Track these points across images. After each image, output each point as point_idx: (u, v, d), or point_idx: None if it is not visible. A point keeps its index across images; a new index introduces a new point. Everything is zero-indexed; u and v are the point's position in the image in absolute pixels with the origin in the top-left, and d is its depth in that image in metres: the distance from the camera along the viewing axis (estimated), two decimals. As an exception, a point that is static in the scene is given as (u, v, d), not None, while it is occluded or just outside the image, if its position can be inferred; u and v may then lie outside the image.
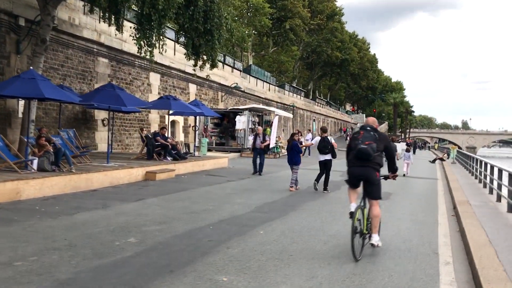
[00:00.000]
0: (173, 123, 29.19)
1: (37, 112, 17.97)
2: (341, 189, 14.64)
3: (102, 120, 22.01)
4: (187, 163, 18.10)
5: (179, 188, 13.42)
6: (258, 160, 17.52)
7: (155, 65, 26.07)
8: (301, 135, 28.42)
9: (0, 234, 7.13)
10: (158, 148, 17.45)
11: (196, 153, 22.70)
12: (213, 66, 18.96)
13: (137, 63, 24.73)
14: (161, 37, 15.62)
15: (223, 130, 33.08)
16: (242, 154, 30.09)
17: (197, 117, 30.57)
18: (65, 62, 19.73)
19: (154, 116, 26.45)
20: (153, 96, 25.96)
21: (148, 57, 15.54)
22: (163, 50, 16.52)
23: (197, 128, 31.18)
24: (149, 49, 15.34)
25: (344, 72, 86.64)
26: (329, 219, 9.83)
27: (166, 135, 19.39)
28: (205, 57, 18.11)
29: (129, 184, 13.83)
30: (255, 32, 54.52)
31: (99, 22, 20.85)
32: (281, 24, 56.63)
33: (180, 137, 29.54)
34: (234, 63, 39.24)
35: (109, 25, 17.06)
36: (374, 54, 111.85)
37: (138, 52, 15.66)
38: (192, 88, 31.41)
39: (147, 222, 8.54)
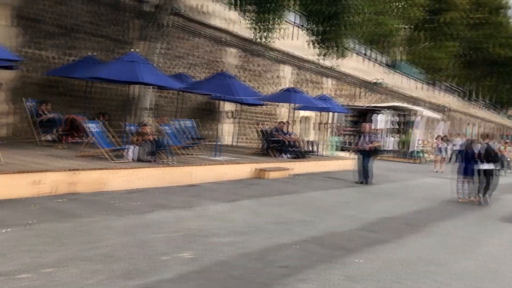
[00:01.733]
0: (305, 119, 27.75)
1: (159, 100, 17.77)
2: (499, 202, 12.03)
3: (227, 112, 21.29)
4: (306, 163, 16.50)
5: (286, 190, 11.88)
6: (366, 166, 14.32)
7: (287, 57, 24.90)
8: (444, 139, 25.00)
9: (44, 231, 6.21)
10: (275, 144, 16.07)
11: (324, 152, 20.99)
12: (341, 55, 17.05)
13: (267, 54, 23.67)
14: (279, 20, 14.17)
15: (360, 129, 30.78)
16: (376, 156, 27.55)
17: (332, 114, 28.82)
18: (191, 51, 19.31)
19: (283, 110, 25.17)
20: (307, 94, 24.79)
21: (263, 42, 14.22)
22: (281, 35, 15.06)
23: (331, 125, 29.47)
24: (265, 34, 14.01)
25: (509, 72, 77.70)
26: (462, 249, 7.56)
27: (289, 130, 17.96)
28: (333, 45, 16.28)
29: (234, 181, 12.62)
30: (406, 26, 50.68)
31: (228, 10, 20.08)
32: (437, 16, 51.99)
33: (311, 134, 27.99)
34: (376, 57, 36.56)
35: (235, 9, 16.02)
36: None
37: (253, 38, 14.45)
38: (328, 82, 29.66)
39: (221, 231, 7.12)
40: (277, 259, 6.00)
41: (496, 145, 12.97)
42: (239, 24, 21.03)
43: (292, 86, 25.99)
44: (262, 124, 17.60)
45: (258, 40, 14.39)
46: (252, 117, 22.82)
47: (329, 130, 29.32)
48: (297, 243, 6.84)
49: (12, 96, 13.24)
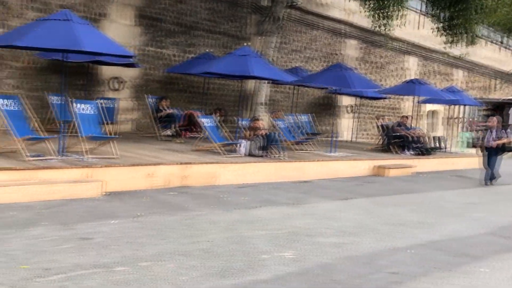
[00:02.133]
0: (433, 113, 26.11)
1: (275, 95, 17.70)
2: None
3: (346, 107, 20.65)
4: (431, 160, 15.37)
5: (406, 189, 11.09)
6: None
7: (412, 48, 23.59)
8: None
9: (149, 224, 6.27)
10: (396, 139, 15.17)
11: (452, 149, 19.48)
12: (471, 43, 15.57)
13: (390, 44, 22.52)
14: (399, 6, 13.27)
15: (496, 124, 28.24)
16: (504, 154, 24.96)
17: (463, 108, 26.78)
18: (308, 44, 18.96)
19: (407, 104, 23.85)
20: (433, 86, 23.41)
21: (382, 30, 13.42)
22: (402, 22, 14.10)
23: (462, 120, 27.39)
24: (384, 21, 13.20)
25: None
26: None
27: (412, 125, 16.91)
28: (461, 32, 14.89)
29: (350, 178, 12.07)
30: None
31: (348, 0, 19.39)
32: None
33: (439, 129, 26.26)
34: (516, 45, 33.28)
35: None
36: None
37: (372, 26, 13.70)
38: (458, 74, 27.60)
39: (328, 231, 6.70)
40: (387, 264, 5.46)
41: None
42: (359, 14, 20.28)
43: (417, 78, 24.66)
44: (382, 119, 16.71)
45: (377, 29, 13.63)
46: (373, 111, 21.90)
47: (460, 125, 27.33)
48: (412, 247, 6.20)
49: (136, 93, 13.89)
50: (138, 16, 13.79)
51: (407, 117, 16.00)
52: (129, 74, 13.73)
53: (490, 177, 12.89)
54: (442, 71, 26.42)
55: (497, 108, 27.91)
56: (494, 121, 12.98)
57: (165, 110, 12.64)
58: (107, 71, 13.31)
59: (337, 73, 12.63)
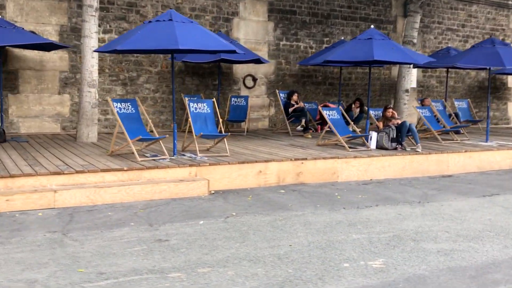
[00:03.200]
0: None
1: (428, 81, 16.26)
2: None
3: (517, 88, 18.06)
4: None
5: None
6: None
7: None
8: None
9: (236, 225, 5.95)
10: None
11: None
12: None
13: None
14: None
15: None
16: None
17: None
18: (467, 21, 16.97)
19: None
20: None
21: None
22: None
23: None
24: None
25: None
26: None
27: None
28: None
29: (507, 170, 10.40)
30: None
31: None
32: None
33: None
34: None
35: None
36: None
37: None
38: None
39: (444, 235, 5.67)
40: (500, 278, 4.37)
41: None
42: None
43: None
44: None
45: None
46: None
47: None
48: (548, 258, 4.93)
49: (271, 90, 13.76)
50: (270, 11, 13.63)
51: None
52: (263, 70, 13.66)
53: None
54: None
55: None
56: None
57: (294, 105, 12.25)
58: (241, 70, 13.40)
59: (487, 50, 10.96)
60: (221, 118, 12.41)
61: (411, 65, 13.46)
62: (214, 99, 9.24)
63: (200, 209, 6.68)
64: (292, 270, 4.49)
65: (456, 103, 14.90)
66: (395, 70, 15.34)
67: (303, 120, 11.97)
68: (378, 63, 10.35)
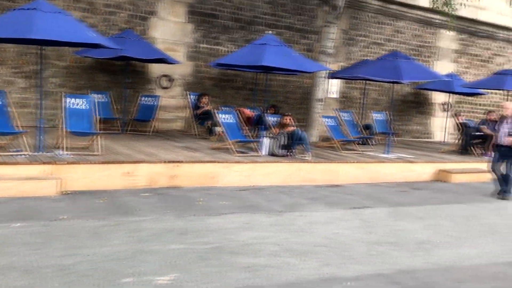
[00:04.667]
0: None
1: (351, 92, 15.87)
2: None
3: (443, 104, 17.81)
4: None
5: (459, 199, 8.72)
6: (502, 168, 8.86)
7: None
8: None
9: (54, 229, 5.26)
10: (477, 139, 12.43)
11: None
12: None
13: (501, 35, 19.11)
14: None
15: None
16: None
17: None
18: (392, 36, 16.65)
19: (523, 101, 20.01)
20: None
21: (446, 10, 10.92)
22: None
23: None
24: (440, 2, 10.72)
25: None
26: None
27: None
28: None
29: (399, 183, 9.96)
30: None
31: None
32: None
33: None
34: None
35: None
36: None
37: (433, 6, 11.26)
38: None
39: (271, 248, 5.10)
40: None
41: None
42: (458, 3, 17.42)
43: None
44: (460, 116, 13.90)
45: (435, 7, 11.22)
46: (474, 109, 18.68)
47: None
48: (362, 278, 4.39)
49: (187, 91, 13.08)
50: (190, 13, 12.97)
51: (493, 112, 13.07)
52: (180, 71, 12.99)
53: (503, 187, 8.92)
54: None
55: None
56: (509, 108, 8.89)
57: (204, 107, 11.63)
58: (157, 69, 12.70)
59: (389, 63, 10.54)
60: (129, 117, 11.86)
61: (326, 75, 12.98)
62: (94, 96, 8.51)
63: (35, 210, 5.97)
64: (59, 284, 3.82)
65: (373, 115, 14.53)
66: (310, 78, 14.85)
67: (209, 123, 11.34)
68: (267, 69, 9.75)
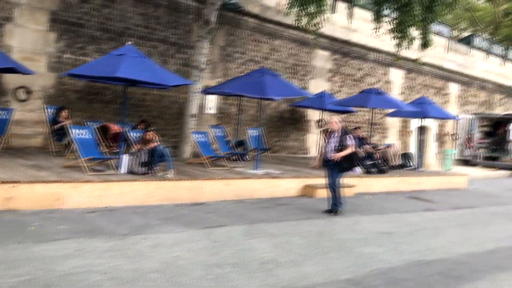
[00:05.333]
0: (423, 129, 23.39)
1: (229, 108, 15.72)
2: None
3: (318, 121, 18.33)
4: (386, 178, 12.94)
5: (315, 215, 8.76)
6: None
7: (399, 60, 21.04)
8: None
9: None
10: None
11: (439, 167, 16.94)
12: (425, 45, 13.00)
13: (371, 56, 20.21)
14: (320, 2, 10.95)
15: (497, 141, 25.29)
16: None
17: (455, 123, 24.02)
18: (269, 54, 16.86)
19: (393, 120, 21.29)
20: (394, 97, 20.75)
21: (310, 27, 11.22)
22: (323, 20, 11.81)
23: (458, 136, 24.58)
24: (305, 19, 11.01)
25: None
26: None
27: (371, 139, 14.49)
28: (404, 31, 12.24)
29: (266, 199, 9.86)
30: None
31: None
32: None
33: (431, 146, 23.53)
34: (521, 58, 30.05)
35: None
36: None
37: (296, 24, 11.57)
38: (454, 88, 24.82)
39: (94, 277, 4.57)
40: None
41: None
42: (331, 24, 18.13)
43: (406, 92, 22.11)
44: (328, 133, 14.32)
45: (298, 24, 11.54)
46: (348, 126, 19.43)
47: (456, 142, 24.52)
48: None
49: (52, 104, 12.08)
50: (52, 21, 12.05)
51: (359, 128, 13.61)
52: (40, 83, 11.97)
53: (332, 204, 8.79)
54: (434, 84, 23.71)
55: (498, 124, 25.05)
56: (334, 124, 8.80)
57: (63, 121, 10.76)
58: (12, 80, 11.57)
59: (256, 79, 10.50)
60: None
61: (199, 90, 12.70)
62: None
63: None
64: None
65: (249, 131, 14.49)
66: (185, 94, 14.53)
67: (66, 139, 10.47)
68: (127, 81, 9.21)
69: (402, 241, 7.18)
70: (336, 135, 8.79)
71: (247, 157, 13.35)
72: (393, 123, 21.55)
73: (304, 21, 11.57)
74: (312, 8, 11.02)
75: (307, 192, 10.63)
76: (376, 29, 12.85)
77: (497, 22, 37.88)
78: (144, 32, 13.78)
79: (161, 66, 10.75)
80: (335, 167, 8.68)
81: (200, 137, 11.07)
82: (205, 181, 9.17)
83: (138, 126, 12.03)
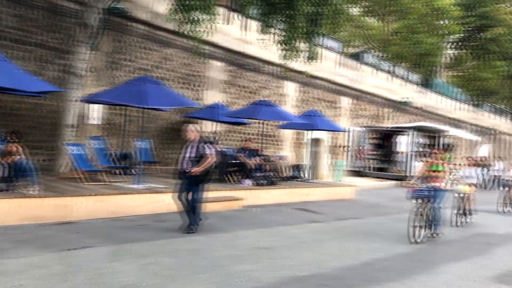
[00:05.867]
0: (317, 141, 23.95)
1: (115, 118, 14.82)
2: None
3: (213, 133, 17.97)
4: (276, 190, 12.86)
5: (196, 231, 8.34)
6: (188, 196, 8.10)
7: (291, 73, 21.35)
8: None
9: None
10: (233, 167, 12.56)
11: (328, 178, 17.26)
12: (311, 58, 13.21)
13: (266, 69, 20.31)
14: (206, 10, 10.72)
15: (386, 152, 26.59)
16: (402, 183, 23.07)
17: (345, 135, 24.90)
18: (160, 63, 16.26)
19: (288, 132, 21.53)
20: (288, 109, 20.96)
21: (193, 35, 10.94)
22: (210, 29, 11.64)
23: (349, 148, 25.50)
24: (189, 26, 10.71)
25: None
26: None
27: (263, 151, 14.41)
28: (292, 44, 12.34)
29: (146, 216, 9.25)
30: (446, 44, 45.92)
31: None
32: (480, 34, 46.56)
33: (323, 158, 24.12)
34: (407, 75, 32.08)
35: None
36: None
37: (179, 29, 11.30)
38: (345, 101, 25.74)
39: None
40: None
41: None
42: (226, 35, 17.95)
43: (300, 105, 22.50)
44: (218, 144, 14.09)
45: (182, 31, 11.26)
46: (244, 138, 19.34)
47: (347, 153, 25.41)
48: None
49: None
50: None
51: (250, 140, 13.48)
52: None
53: (190, 218, 8.08)
54: (326, 98, 24.41)
55: (386, 136, 26.35)
56: (189, 132, 8.17)
57: None
58: None
59: (137, 87, 9.91)
60: None
61: (77, 99, 11.82)
62: None
63: None
64: None
65: (137, 143, 13.75)
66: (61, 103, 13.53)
67: None
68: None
69: (279, 256, 6.95)
70: (192, 145, 8.12)
71: (133, 170, 12.63)
72: (288, 135, 21.79)
73: (187, 28, 11.18)
74: (195, 15, 10.67)
75: (192, 206, 10.16)
76: (263, 40, 12.80)
77: (388, 40, 40.31)
78: (19, 35, 12.61)
79: (26, 71, 9.80)
80: (193, 181, 7.98)
81: (75, 150, 10.22)
82: (75, 198, 8.40)
83: (8, 137, 10.89)
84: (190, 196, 8.08)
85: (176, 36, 16.44)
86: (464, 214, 11.47)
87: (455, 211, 11.19)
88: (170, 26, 15.80)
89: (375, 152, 26.29)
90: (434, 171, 9.15)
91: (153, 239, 7.38)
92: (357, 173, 25.37)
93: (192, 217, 8.12)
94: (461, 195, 11.31)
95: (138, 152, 13.45)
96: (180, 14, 10.86)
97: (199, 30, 11.45)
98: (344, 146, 25.20)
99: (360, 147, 25.93)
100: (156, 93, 9.85)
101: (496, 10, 46.71)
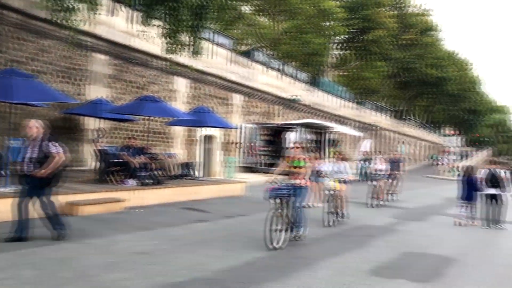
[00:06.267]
0: (209, 138, 23.67)
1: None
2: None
3: (97, 130, 16.91)
4: (162, 190, 12.35)
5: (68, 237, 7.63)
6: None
7: (182, 68, 20.78)
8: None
9: None
10: (115, 167, 11.85)
11: (222, 175, 17.00)
12: (196, 53, 12.92)
13: (154, 64, 19.58)
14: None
15: (276, 148, 27.01)
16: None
17: (237, 132, 24.97)
18: (38, 55, 14.94)
19: (179, 129, 20.97)
20: (178, 106, 20.44)
21: (65, 22, 10.17)
22: (88, 18, 10.96)
23: (240, 145, 25.57)
24: (61, 14, 9.95)
25: (441, 92, 76.07)
26: None
27: (150, 149, 13.80)
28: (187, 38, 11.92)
29: (11, 222, 8.29)
30: (332, 44, 48.05)
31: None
32: (363, 36, 49.35)
33: (217, 155, 23.92)
34: (296, 73, 32.99)
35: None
36: (478, 75, 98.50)
37: (51, 17, 10.47)
38: (236, 98, 25.74)
39: None
40: None
41: (501, 172, 12.28)
42: (111, 27, 16.98)
43: (191, 101, 22.07)
44: (99, 142, 13.32)
45: (55, 20, 10.45)
46: (131, 135, 18.48)
47: (240, 150, 25.47)
48: None
49: None
50: None
51: (134, 138, 12.82)
52: None
53: (20, 228, 7.02)
54: (218, 94, 24.23)
55: (277, 133, 26.78)
56: (32, 129, 7.33)
57: None
58: None
59: (1, 80, 8.87)
60: None
61: None
62: None
63: None
64: None
65: (11, 141, 12.45)
66: None
67: None
68: None
69: (157, 261, 6.52)
70: (34, 143, 7.28)
71: (1, 172, 11.40)
72: (179, 132, 21.24)
73: (60, 16, 10.29)
74: (69, 2, 9.82)
75: (68, 210, 9.36)
76: (143, 32, 12.21)
77: (278, 39, 41.18)
78: None
79: None
80: (36, 184, 7.04)
81: None
82: None
83: None
84: (38, 203, 7.14)
85: (55, 26, 15.25)
86: (337, 212, 10.75)
87: (326, 210, 10.47)
88: (47, 15, 14.62)
89: (266, 148, 26.61)
90: (295, 167, 8.47)
91: (15, 249, 6.59)
92: (249, 169, 25.51)
93: (54, 220, 7.31)
94: (331, 192, 10.57)
95: (10, 151, 12.21)
96: (53, 1, 9.94)
97: (75, 20, 10.58)
98: (236, 143, 25.21)
99: (252, 144, 26.10)
100: (25, 87, 8.90)
101: (377, 13, 49.70)
